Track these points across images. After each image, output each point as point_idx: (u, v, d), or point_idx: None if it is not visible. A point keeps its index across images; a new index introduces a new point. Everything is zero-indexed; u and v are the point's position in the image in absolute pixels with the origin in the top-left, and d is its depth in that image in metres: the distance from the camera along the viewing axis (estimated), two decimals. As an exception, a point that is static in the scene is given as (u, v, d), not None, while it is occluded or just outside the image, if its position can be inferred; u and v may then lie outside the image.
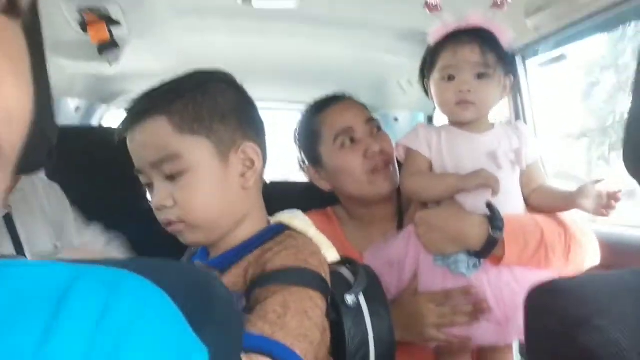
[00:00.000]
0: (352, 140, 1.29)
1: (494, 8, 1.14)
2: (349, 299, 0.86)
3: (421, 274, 1.17)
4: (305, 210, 1.37)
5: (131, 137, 0.86)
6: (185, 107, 0.83)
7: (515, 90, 1.60)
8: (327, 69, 2.08)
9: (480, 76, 1.15)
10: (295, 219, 0.91)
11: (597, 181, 1.12)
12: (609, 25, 1.36)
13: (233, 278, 0.82)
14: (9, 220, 1.18)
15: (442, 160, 1.19)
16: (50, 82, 0.51)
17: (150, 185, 0.87)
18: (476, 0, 1.16)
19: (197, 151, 0.83)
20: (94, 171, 1.53)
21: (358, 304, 0.87)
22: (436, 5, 1.16)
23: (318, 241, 0.89)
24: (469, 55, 1.14)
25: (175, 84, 0.88)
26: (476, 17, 1.16)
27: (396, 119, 2.53)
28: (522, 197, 1.21)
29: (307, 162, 1.39)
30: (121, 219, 1.37)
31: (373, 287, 0.92)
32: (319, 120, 1.34)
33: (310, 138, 1.37)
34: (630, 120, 0.62)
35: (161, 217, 0.86)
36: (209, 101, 0.85)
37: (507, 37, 1.17)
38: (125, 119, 0.87)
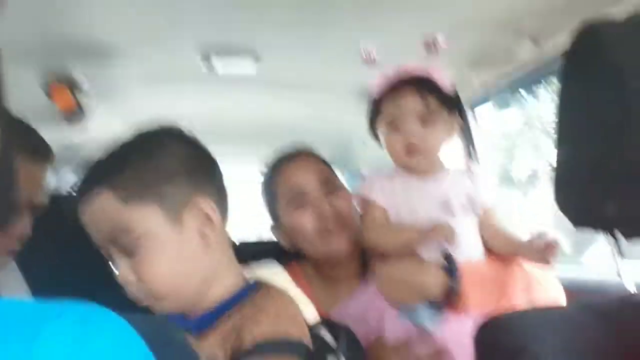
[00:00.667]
0: (306, 202, 1.28)
1: (428, 51, 1.18)
2: None
3: (386, 328, 1.16)
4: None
5: (82, 214, 0.82)
6: (129, 177, 0.79)
7: (467, 134, 1.65)
8: (292, 127, 2.12)
9: (424, 123, 1.15)
10: (275, 275, 0.88)
11: (540, 233, 1.11)
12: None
13: (209, 349, 0.78)
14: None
15: (397, 208, 1.19)
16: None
17: (113, 260, 0.83)
18: (414, 50, 1.22)
19: (147, 220, 0.78)
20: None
21: None
22: (373, 59, 1.21)
23: (298, 300, 0.85)
24: (411, 104, 1.15)
25: (118, 151, 0.84)
26: (413, 66, 1.18)
27: (360, 174, 2.57)
28: (480, 242, 1.21)
29: (271, 221, 1.39)
30: (93, 291, 1.35)
31: (354, 350, 0.88)
32: (275, 180, 1.34)
33: (268, 197, 1.37)
34: (558, 165, 0.67)
35: (130, 294, 0.82)
36: (154, 164, 0.81)
37: (446, 80, 1.18)
38: (75, 197, 0.83)
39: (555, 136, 0.66)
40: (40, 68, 1.40)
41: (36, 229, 1.14)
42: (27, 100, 1.61)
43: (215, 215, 0.83)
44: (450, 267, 1.11)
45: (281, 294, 0.83)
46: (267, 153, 2.38)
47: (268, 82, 1.66)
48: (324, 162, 1.37)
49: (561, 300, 1.19)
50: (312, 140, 2.14)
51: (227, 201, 0.89)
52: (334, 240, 1.28)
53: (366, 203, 1.23)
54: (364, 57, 1.20)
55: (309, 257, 1.35)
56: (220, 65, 1.50)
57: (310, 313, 0.88)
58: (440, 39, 1.18)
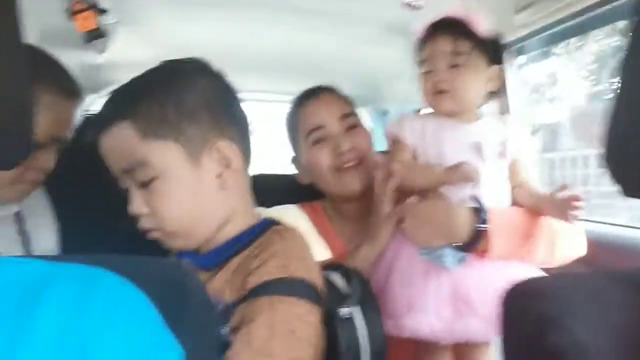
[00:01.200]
0: (325, 137, 1.30)
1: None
2: (344, 311, 0.80)
3: (402, 264, 1.17)
4: (292, 202, 1.39)
5: (100, 144, 0.81)
6: (149, 109, 0.77)
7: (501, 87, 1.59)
8: (316, 60, 2.08)
9: (452, 64, 1.16)
10: (286, 213, 0.87)
11: (562, 188, 1.12)
12: (596, 24, 1.36)
13: (218, 284, 0.78)
14: (19, 218, 1.19)
15: (425, 148, 1.19)
16: (22, 64, 0.48)
17: (128, 190, 0.82)
18: None
19: (165, 156, 0.77)
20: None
21: (352, 315, 0.82)
22: (414, 5, 1.20)
23: (308, 238, 0.84)
24: (441, 46, 1.17)
25: (141, 81, 0.82)
26: (452, 10, 1.18)
27: (386, 112, 2.53)
28: (508, 190, 1.22)
29: (293, 154, 1.41)
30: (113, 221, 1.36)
31: (367, 296, 0.86)
32: (297, 115, 1.36)
33: (291, 131, 1.39)
34: (614, 129, 0.61)
35: (140, 224, 0.82)
36: (176, 99, 0.78)
37: (483, 26, 1.17)
38: (93, 126, 0.82)
39: (613, 96, 0.61)
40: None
41: (63, 157, 1.14)
42: (48, 21, 1.57)
43: (236, 159, 0.82)
44: (478, 210, 1.11)
45: (290, 232, 0.82)
46: (291, 86, 2.35)
47: (296, 10, 1.59)
48: (346, 100, 1.37)
49: (583, 250, 1.20)
50: (338, 74, 2.09)
51: (249, 143, 0.87)
52: (347, 177, 1.29)
53: (395, 141, 1.23)
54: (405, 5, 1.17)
55: (325, 192, 1.37)
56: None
57: (322, 254, 0.87)
58: None
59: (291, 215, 0.88)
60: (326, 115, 1.31)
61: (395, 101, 2.50)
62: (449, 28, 1.17)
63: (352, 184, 1.29)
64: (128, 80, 0.83)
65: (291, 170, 1.47)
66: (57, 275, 0.37)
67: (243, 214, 0.86)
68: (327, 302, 0.81)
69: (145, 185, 0.78)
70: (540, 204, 1.17)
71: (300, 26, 1.73)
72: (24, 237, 1.19)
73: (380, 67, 2.20)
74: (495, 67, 1.21)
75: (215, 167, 0.81)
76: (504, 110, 1.64)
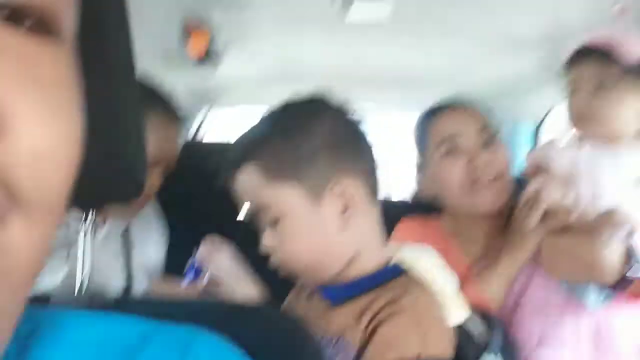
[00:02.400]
0: (458, 149, 1.20)
1: (619, 17, 1.09)
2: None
3: (535, 294, 1.10)
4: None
5: (232, 185, 0.85)
6: (274, 152, 0.79)
7: None
8: (435, 76, 2.02)
9: (596, 91, 1.06)
10: (419, 261, 0.82)
11: None
12: None
13: (343, 318, 0.77)
14: (125, 233, 1.25)
15: (578, 182, 1.08)
16: (136, 113, 0.48)
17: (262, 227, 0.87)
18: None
19: (286, 198, 0.79)
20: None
21: None
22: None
23: (444, 293, 0.80)
24: (586, 70, 1.08)
25: (264, 124, 0.85)
26: (598, 34, 1.09)
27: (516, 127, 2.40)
28: None
29: (418, 166, 1.34)
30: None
31: (509, 350, 0.84)
32: (428, 125, 1.27)
33: (418, 143, 1.31)
34: None
35: (272, 259, 0.85)
36: (295, 144, 0.80)
37: (632, 49, 1.05)
38: (224, 168, 0.86)
39: None
40: (175, 12, 1.40)
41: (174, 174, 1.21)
42: (160, 43, 1.65)
43: (358, 196, 0.80)
44: (631, 252, 0.98)
45: (422, 289, 0.78)
46: (401, 103, 2.30)
47: (404, 30, 1.55)
48: (483, 114, 1.27)
49: None
50: (450, 89, 2.02)
51: (376, 177, 0.85)
52: (481, 195, 1.18)
53: (541, 167, 1.12)
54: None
55: (450, 210, 1.28)
56: (354, 10, 1.41)
57: (459, 307, 0.82)
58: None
59: (425, 262, 0.83)
60: (462, 125, 1.21)
61: (527, 116, 2.37)
62: (595, 52, 1.08)
63: (486, 201, 1.18)
64: (250, 126, 0.87)
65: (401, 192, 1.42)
66: (153, 336, 0.36)
67: (371, 251, 0.83)
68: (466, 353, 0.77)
69: (272, 225, 0.81)
70: None
71: (407, 44, 1.68)
72: (126, 253, 1.25)
73: (492, 81, 2.09)
74: None
75: (337, 205, 0.80)
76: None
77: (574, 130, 1.13)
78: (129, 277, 1.25)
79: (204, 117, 2.42)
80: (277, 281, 0.95)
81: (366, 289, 0.78)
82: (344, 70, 1.86)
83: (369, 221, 0.84)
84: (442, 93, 1.34)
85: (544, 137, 2.18)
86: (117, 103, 0.46)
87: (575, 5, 1.25)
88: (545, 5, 1.22)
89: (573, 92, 1.09)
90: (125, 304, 0.48)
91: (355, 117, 0.86)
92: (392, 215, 1.30)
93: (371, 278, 0.80)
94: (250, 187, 0.81)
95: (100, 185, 0.44)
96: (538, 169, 1.13)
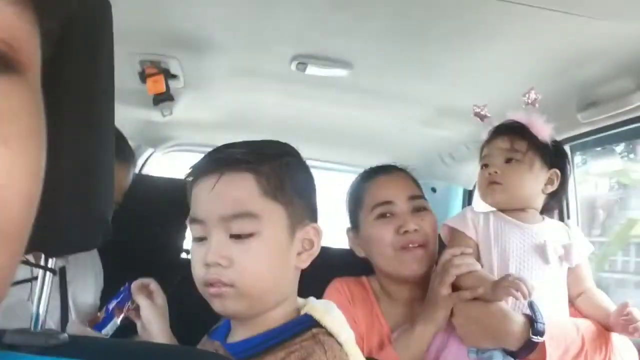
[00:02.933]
0: (391, 214, 1.28)
1: (529, 105, 1.22)
2: None
3: (447, 358, 1.14)
4: (339, 275, 1.38)
5: (207, 184, 0.80)
6: (273, 172, 0.80)
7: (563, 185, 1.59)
8: (373, 135, 2.11)
9: (508, 161, 1.20)
10: (327, 314, 0.82)
11: (624, 307, 1.10)
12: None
13: None
14: (62, 273, 1.23)
15: (489, 247, 1.18)
16: (108, 156, 0.50)
17: (202, 239, 0.81)
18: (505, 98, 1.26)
19: (273, 218, 0.79)
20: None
21: None
22: (483, 114, 1.27)
23: (347, 348, 0.81)
24: (500, 143, 1.22)
25: (260, 147, 0.84)
26: (514, 115, 1.23)
27: (434, 190, 2.52)
28: (567, 296, 1.19)
29: (349, 225, 1.40)
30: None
31: None
32: (363, 188, 1.35)
33: (353, 203, 1.38)
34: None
35: (208, 275, 0.79)
36: (292, 173, 0.83)
37: (543, 129, 1.21)
38: (207, 164, 0.82)
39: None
40: (136, 53, 1.42)
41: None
42: (120, 81, 1.65)
43: (317, 244, 0.84)
44: (535, 319, 1.07)
45: (332, 342, 0.78)
46: (347, 159, 2.37)
47: (357, 89, 1.63)
48: (415, 182, 1.37)
49: None
50: (392, 151, 2.11)
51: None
52: (408, 259, 1.26)
53: (454, 232, 1.23)
54: (477, 115, 1.28)
55: (378, 271, 1.34)
56: (311, 68, 1.48)
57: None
58: (532, 95, 1.21)
59: (332, 317, 0.84)
60: (396, 192, 1.30)
61: (443, 179, 2.50)
62: (509, 129, 1.22)
63: (413, 265, 1.26)
64: (250, 141, 0.86)
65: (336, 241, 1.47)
66: None
67: (292, 299, 0.85)
68: None
69: (238, 237, 0.78)
70: (605, 317, 1.14)
71: (357, 104, 1.77)
72: (63, 291, 1.23)
73: (432, 146, 2.22)
74: (555, 171, 1.22)
75: (299, 245, 0.83)
76: (560, 212, 1.62)
77: (482, 199, 1.26)
78: (64, 317, 1.22)
79: (150, 155, 2.42)
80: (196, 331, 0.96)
81: (276, 343, 0.77)
82: (296, 123, 1.92)
83: (298, 272, 0.86)
84: (385, 155, 1.43)
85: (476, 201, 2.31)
86: (93, 150, 0.48)
87: (503, 89, 1.39)
88: (481, 85, 1.35)
89: (485, 162, 1.23)
90: (81, 343, 0.49)
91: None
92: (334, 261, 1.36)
93: (284, 329, 0.80)
94: (242, 192, 0.79)
95: (68, 232, 0.46)
96: (453, 236, 1.23)
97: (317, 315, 0.81)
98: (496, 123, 1.25)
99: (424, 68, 1.45)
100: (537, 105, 1.20)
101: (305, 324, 0.80)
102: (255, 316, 0.82)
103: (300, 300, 0.87)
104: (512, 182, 1.19)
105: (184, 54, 1.47)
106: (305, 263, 0.84)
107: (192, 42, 1.39)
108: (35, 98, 0.30)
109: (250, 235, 0.78)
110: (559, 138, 1.34)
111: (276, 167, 0.81)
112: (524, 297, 1.04)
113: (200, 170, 0.82)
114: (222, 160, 0.81)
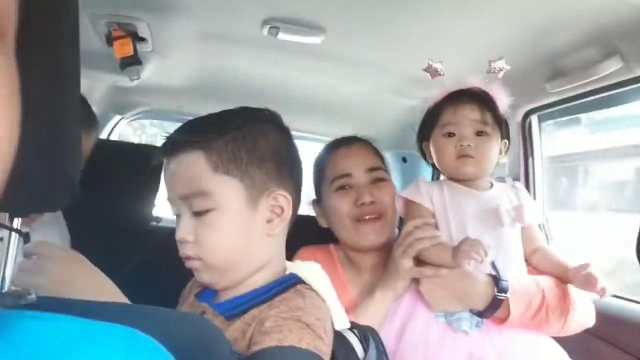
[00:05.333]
0: (350, 186, 1.31)
1: (492, 73, 1.21)
2: None
3: (415, 326, 1.17)
4: (306, 243, 1.40)
5: (166, 165, 0.85)
6: (225, 146, 0.81)
7: (527, 149, 1.63)
8: (344, 104, 2.11)
9: (479, 133, 1.20)
10: (312, 273, 0.86)
11: (585, 265, 1.14)
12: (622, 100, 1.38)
13: (235, 332, 0.78)
14: (26, 239, 1.21)
15: (446, 216, 1.20)
16: (76, 123, 0.50)
17: (178, 217, 0.85)
18: (476, 67, 1.22)
19: (228, 192, 0.81)
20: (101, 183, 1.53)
21: None
22: (437, 71, 1.23)
23: (330, 303, 0.84)
24: (469, 113, 1.20)
25: (219, 119, 0.86)
26: (476, 81, 1.23)
27: (405, 159, 2.54)
28: (523, 255, 1.23)
29: (314, 197, 1.42)
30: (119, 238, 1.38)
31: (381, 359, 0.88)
32: (325, 160, 1.38)
33: (316, 175, 1.41)
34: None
35: (181, 251, 0.84)
36: (250, 143, 0.83)
37: (504, 102, 1.22)
38: (164, 146, 0.85)
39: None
40: (104, 15, 1.38)
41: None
42: (86, 43, 1.60)
43: (287, 210, 0.85)
44: (498, 278, 1.12)
45: (313, 294, 0.82)
46: (316, 126, 2.36)
47: (329, 56, 1.62)
48: (376, 153, 1.39)
49: (592, 321, 1.20)
50: (362, 121, 2.11)
51: (300, 196, 0.90)
52: (365, 230, 1.30)
53: (410, 204, 1.24)
54: (429, 69, 1.24)
55: (341, 241, 1.37)
56: (283, 33, 1.46)
57: (340, 317, 0.87)
58: (499, 64, 1.21)
59: (316, 275, 0.87)
60: (354, 165, 1.32)
61: (413, 149, 2.51)
62: (477, 98, 1.21)
63: (370, 236, 1.29)
64: (205, 115, 0.88)
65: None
66: (87, 337, 0.37)
67: (275, 263, 0.88)
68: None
69: (199, 214, 0.81)
70: (564, 272, 1.18)
71: (329, 71, 1.76)
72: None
73: (401, 115, 2.22)
74: (505, 141, 1.26)
75: (267, 213, 0.84)
76: (527, 177, 1.66)
77: (446, 171, 1.25)
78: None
79: (118, 122, 2.37)
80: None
81: (262, 301, 0.80)
82: (267, 90, 1.90)
83: (283, 235, 0.89)
84: (356, 125, 1.43)
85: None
86: (60, 111, 0.47)
87: (472, 57, 1.39)
88: (450, 54, 1.35)
89: (453, 131, 1.21)
90: (46, 302, 0.49)
91: (293, 140, 0.92)
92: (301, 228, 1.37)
93: (270, 287, 0.83)
94: (193, 171, 0.81)
95: (35, 191, 0.45)
96: (408, 207, 1.24)
97: (302, 273, 0.85)
98: (449, 84, 1.24)
99: (396, 36, 1.44)
100: (500, 75, 1.20)
101: (290, 281, 0.83)
102: (234, 284, 0.84)
103: (288, 262, 0.90)
104: (484, 156, 1.21)
105: (152, 16, 1.42)
106: (277, 229, 0.85)
107: (160, 3, 1.35)
108: (12, 62, 0.30)
109: (207, 211, 0.81)
110: (527, 107, 1.36)
111: (230, 140, 0.82)
112: (482, 257, 1.07)
113: (162, 151, 0.86)
114: (174, 141, 0.85)
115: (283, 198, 0.84)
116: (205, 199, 0.80)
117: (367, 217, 1.29)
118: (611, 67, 1.20)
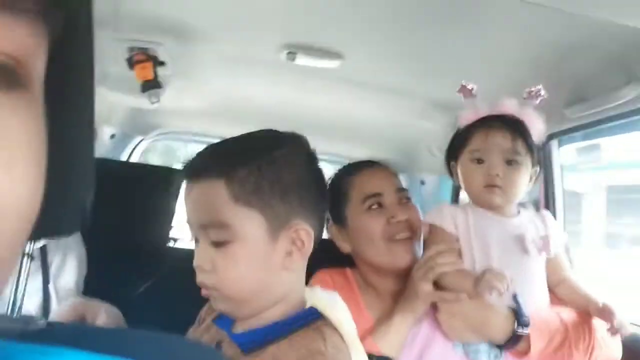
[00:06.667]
0: (380, 206, 1.29)
1: (528, 99, 1.17)
2: None
3: (433, 355, 1.14)
4: (321, 266, 1.38)
5: (187, 191, 0.81)
6: (247, 177, 0.77)
7: (547, 176, 1.61)
8: (362, 127, 2.11)
9: (509, 162, 1.16)
10: (332, 308, 0.83)
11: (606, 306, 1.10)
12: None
13: None
14: (43, 251, 1.22)
15: (470, 241, 1.17)
16: (88, 139, 0.50)
17: (196, 241, 0.82)
18: (513, 90, 1.19)
19: (248, 224, 0.77)
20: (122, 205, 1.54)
21: None
22: (471, 91, 1.19)
23: (349, 340, 0.80)
24: (500, 141, 1.16)
25: (243, 145, 0.82)
26: (510, 105, 1.18)
27: (423, 182, 2.53)
28: (546, 286, 1.20)
29: (331, 220, 1.40)
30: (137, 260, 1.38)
31: None
32: (350, 181, 1.34)
33: (338, 198, 1.36)
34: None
35: (198, 278, 0.81)
36: (274, 174, 0.78)
37: (539, 128, 1.18)
38: (184, 171, 0.82)
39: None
40: (126, 40, 1.41)
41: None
42: (109, 67, 1.64)
43: (309, 243, 0.81)
44: (519, 312, 1.08)
45: (334, 335, 0.79)
46: (335, 148, 2.36)
47: (347, 80, 1.62)
48: (397, 175, 1.37)
49: (619, 355, 1.15)
50: (381, 144, 2.11)
51: (323, 226, 0.87)
52: (399, 249, 1.26)
53: (434, 228, 1.21)
54: (463, 90, 1.19)
55: (364, 263, 1.34)
56: (300, 58, 1.47)
57: (358, 352, 0.83)
58: (537, 89, 1.15)
59: (337, 308, 0.85)
60: (385, 185, 1.30)
61: (431, 172, 2.50)
62: (509, 124, 1.17)
63: (403, 256, 1.26)
64: (228, 139, 0.84)
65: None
66: None
67: (294, 295, 0.84)
68: None
69: (217, 244, 0.78)
70: (586, 304, 1.14)
71: (348, 95, 1.76)
72: (44, 271, 1.23)
73: (420, 139, 2.22)
74: (536, 169, 1.21)
75: (288, 246, 0.80)
76: (547, 203, 1.63)
77: (472, 198, 1.22)
78: (46, 300, 1.22)
79: (138, 143, 2.40)
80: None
81: (281, 335, 0.77)
82: (284, 113, 1.92)
83: (303, 267, 0.85)
84: (372, 148, 1.42)
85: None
86: (75, 135, 0.48)
87: (492, 81, 1.39)
88: (470, 77, 1.35)
89: (482, 158, 1.17)
90: (56, 330, 0.49)
91: (320, 166, 0.87)
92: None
93: (289, 322, 0.80)
94: (213, 201, 0.77)
95: (46, 217, 0.45)
96: (432, 232, 1.22)
97: (321, 307, 0.81)
98: (480, 106, 1.20)
99: (414, 59, 1.45)
100: (538, 101, 1.16)
101: (310, 317, 0.80)
102: (251, 315, 0.82)
103: (307, 289, 0.87)
104: (513, 186, 1.17)
105: (172, 41, 1.45)
106: (297, 262, 0.81)
107: (180, 29, 1.38)
108: (39, 113, 0.28)
109: (226, 242, 0.77)
110: (547, 132, 1.33)
111: (254, 169, 0.78)
112: (505, 290, 1.04)
113: (182, 176, 0.82)
114: (196, 166, 0.81)
115: (305, 232, 0.80)
116: (224, 231, 0.77)
117: (400, 236, 1.26)
118: (631, 94, 1.19)
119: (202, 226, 0.79)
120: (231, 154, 0.81)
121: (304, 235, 0.80)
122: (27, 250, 0.51)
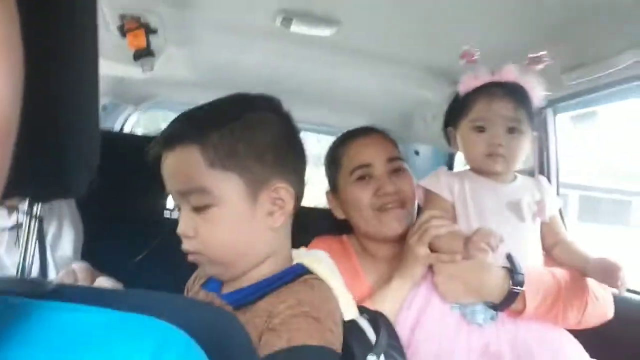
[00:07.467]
0: (369, 176, 1.29)
1: (530, 65, 1.17)
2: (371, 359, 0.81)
3: (430, 317, 1.16)
4: (320, 234, 1.39)
5: (164, 160, 0.82)
6: (221, 140, 0.78)
7: (542, 143, 1.61)
8: (357, 97, 2.09)
9: (511, 130, 1.16)
10: (319, 263, 0.85)
11: (604, 259, 1.12)
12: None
13: (244, 322, 0.76)
14: (39, 221, 1.21)
15: (466, 207, 1.19)
16: (95, 108, 0.49)
17: (179, 209, 0.83)
18: (512, 55, 1.18)
19: (226, 187, 0.78)
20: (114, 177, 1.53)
21: None
22: (473, 57, 1.18)
23: (338, 292, 0.83)
24: (503, 110, 1.16)
25: (215, 110, 0.83)
26: (511, 71, 1.17)
27: (417, 152, 2.53)
28: (541, 250, 1.22)
29: (328, 188, 1.40)
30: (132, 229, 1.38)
31: (393, 343, 0.88)
32: (342, 150, 1.36)
33: (332, 166, 1.38)
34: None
35: (184, 245, 0.83)
36: (248, 136, 0.79)
37: (539, 95, 1.18)
38: (159, 140, 0.82)
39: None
40: (117, 7, 1.37)
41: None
42: (100, 34, 1.60)
43: (289, 202, 0.83)
44: (514, 271, 1.10)
45: (321, 284, 0.82)
46: (330, 118, 2.35)
47: (342, 48, 1.61)
48: (393, 144, 1.37)
49: (611, 314, 1.18)
50: (376, 113, 2.10)
51: (304, 187, 0.88)
52: (387, 219, 1.28)
53: (429, 195, 1.22)
54: (466, 55, 1.17)
55: (358, 231, 1.36)
56: (295, 25, 1.45)
57: (349, 305, 0.87)
58: (541, 54, 1.15)
59: (323, 263, 0.87)
60: (374, 155, 1.31)
61: (426, 142, 2.50)
62: (511, 92, 1.16)
63: (392, 225, 1.28)
64: (200, 105, 0.84)
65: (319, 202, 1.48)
66: (113, 330, 0.36)
67: (280, 254, 0.86)
68: (354, 348, 0.80)
69: (198, 210, 0.79)
70: (584, 264, 1.15)
71: (343, 63, 1.74)
72: (41, 240, 1.22)
73: (415, 108, 2.21)
74: (533, 133, 1.22)
75: (269, 206, 0.81)
76: (542, 170, 1.64)
77: (473, 165, 1.23)
78: (43, 268, 1.22)
79: (131, 113, 2.37)
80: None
81: (267, 292, 0.79)
82: (279, 82, 1.89)
83: (287, 225, 0.87)
84: (367, 117, 1.41)
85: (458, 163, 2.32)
86: (78, 95, 0.47)
87: (492, 47, 1.37)
88: (470, 43, 1.33)
89: (484, 126, 1.18)
90: (66, 290, 0.49)
91: (296, 127, 0.88)
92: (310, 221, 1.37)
93: (277, 278, 0.82)
94: (189, 167, 0.78)
95: (55, 177, 0.45)
96: (427, 198, 1.23)
97: (308, 262, 0.84)
98: (481, 72, 1.20)
99: (413, 25, 1.43)
100: (540, 67, 1.15)
101: (297, 272, 0.83)
102: (239, 276, 0.84)
103: (294, 251, 0.89)
104: (514, 154, 1.18)
105: (165, 9, 1.42)
106: (278, 221, 0.82)
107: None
108: (13, 15, 0.28)
109: (206, 207, 0.78)
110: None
111: (226, 133, 0.78)
112: (494, 249, 1.06)
113: (157, 146, 0.82)
114: (170, 134, 0.82)
115: (284, 190, 0.82)
116: (203, 195, 0.78)
117: (390, 206, 1.28)
118: (630, 60, 1.18)
119: (182, 193, 0.80)
120: (203, 120, 0.81)
121: (283, 193, 0.81)
122: (34, 211, 0.51)
